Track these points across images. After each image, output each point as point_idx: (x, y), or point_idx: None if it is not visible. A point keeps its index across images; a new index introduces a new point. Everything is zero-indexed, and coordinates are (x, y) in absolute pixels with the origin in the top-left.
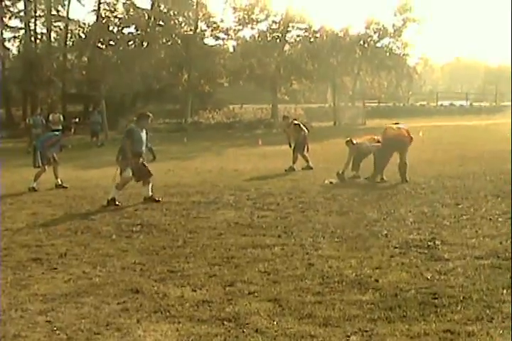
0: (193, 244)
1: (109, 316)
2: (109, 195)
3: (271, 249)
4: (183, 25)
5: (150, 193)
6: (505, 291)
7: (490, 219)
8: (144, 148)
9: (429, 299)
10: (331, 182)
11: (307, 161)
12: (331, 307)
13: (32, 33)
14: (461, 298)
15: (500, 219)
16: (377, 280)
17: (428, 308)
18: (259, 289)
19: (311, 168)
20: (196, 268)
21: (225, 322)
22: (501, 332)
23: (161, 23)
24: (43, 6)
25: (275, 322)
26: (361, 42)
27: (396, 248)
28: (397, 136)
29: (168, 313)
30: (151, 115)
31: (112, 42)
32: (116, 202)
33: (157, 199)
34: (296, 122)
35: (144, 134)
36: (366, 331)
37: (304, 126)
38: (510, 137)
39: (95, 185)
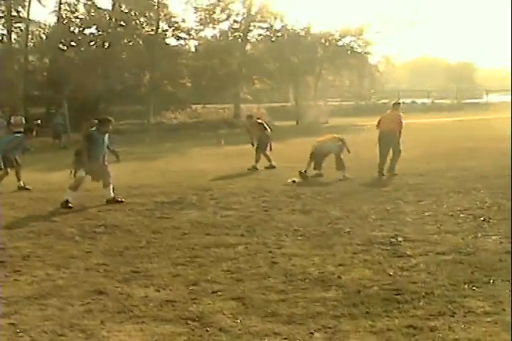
0: (157, 244)
1: (73, 317)
2: (64, 197)
3: (234, 248)
4: (144, 25)
5: (112, 195)
6: (466, 286)
7: (452, 215)
8: (102, 153)
9: (392, 295)
10: (293, 181)
11: (270, 160)
12: (295, 304)
13: None
14: (424, 293)
15: (462, 216)
16: (340, 278)
17: (391, 304)
18: (223, 288)
19: (274, 167)
20: (160, 268)
21: (189, 322)
22: (463, 326)
23: (122, 23)
24: (2, 7)
25: (239, 321)
26: (323, 41)
27: (359, 245)
28: (391, 131)
29: (132, 314)
30: (112, 120)
31: (73, 43)
32: (69, 205)
33: (120, 200)
34: (259, 121)
35: (105, 139)
36: (330, 328)
37: (267, 125)
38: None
39: (58, 188)
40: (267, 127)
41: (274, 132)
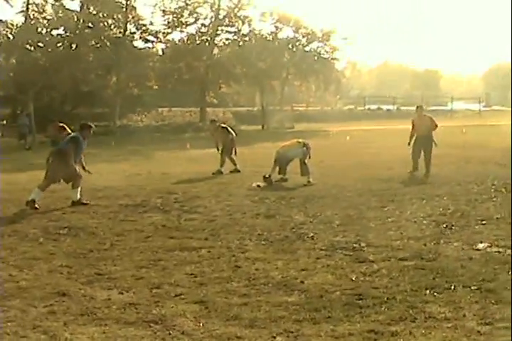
0: (121, 246)
1: (35, 319)
2: (30, 196)
3: (198, 251)
4: (112, 27)
5: (78, 196)
6: (428, 292)
7: (415, 221)
8: (81, 156)
9: (353, 300)
10: (258, 186)
11: (235, 164)
12: (257, 308)
13: None
14: (385, 298)
15: (424, 222)
16: (302, 282)
17: (353, 309)
18: (186, 291)
19: (239, 171)
20: (123, 270)
21: (152, 325)
22: (424, 331)
23: (90, 25)
24: None
25: (201, 324)
26: (290, 46)
27: (322, 250)
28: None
29: (95, 316)
30: (93, 126)
31: (40, 44)
32: (36, 205)
33: (85, 202)
34: (223, 125)
35: (85, 143)
36: (292, 332)
37: (232, 129)
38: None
39: (22, 188)
40: (231, 131)
41: (239, 136)
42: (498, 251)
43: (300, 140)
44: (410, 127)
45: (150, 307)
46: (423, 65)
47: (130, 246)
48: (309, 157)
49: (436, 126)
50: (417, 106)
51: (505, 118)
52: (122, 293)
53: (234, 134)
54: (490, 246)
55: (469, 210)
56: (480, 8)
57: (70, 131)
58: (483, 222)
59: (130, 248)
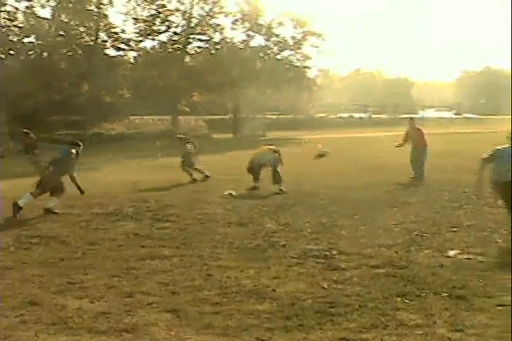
0: (92, 255)
1: (6, 329)
2: (20, 200)
3: (170, 260)
4: (83, 35)
5: (52, 205)
6: (399, 299)
7: (386, 229)
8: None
9: (325, 308)
10: (230, 194)
11: (202, 172)
12: (229, 317)
13: None
14: (357, 306)
15: (396, 229)
16: (274, 290)
17: (324, 317)
18: (158, 300)
19: (208, 177)
20: (95, 279)
21: (124, 334)
22: (395, 339)
23: (61, 33)
24: None
25: (173, 333)
26: (261, 54)
27: (294, 258)
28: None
29: (66, 325)
30: (81, 144)
31: (12, 52)
32: (18, 214)
33: (56, 211)
34: (179, 136)
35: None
36: (264, 340)
37: (190, 140)
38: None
39: None
40: (189, 142)
41: (211, 144)
42: (469, 258)
43: (271, 147)
44: (404, 137)
45: (121, 316)
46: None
47: (102, 254)
48: (282, 164)
49: (425, 141)
50: (410, 118)
51: (476, 126)
52: (94, 302)
53: (192, 145)
54: (461, 253)
55: (440, 218)
56: (450, 18)
57: (32, 137)
58: (454, 229)
59: (102, 257)
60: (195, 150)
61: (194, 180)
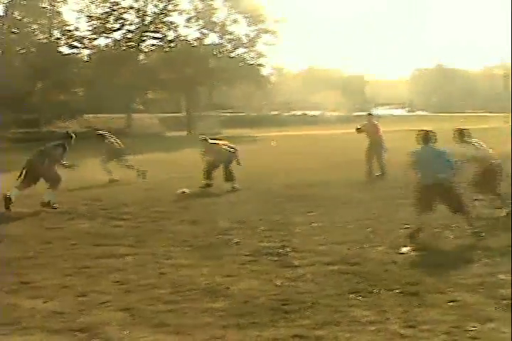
0: (46, 254)
1: None
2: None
3: (123, 258)
4: (37, 33)
5: (50, 199)
6: (352, 296)
7: (340, 226)
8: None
9: (279, 305)
10: (183, 192)
11: (110, 174)
12: (183, 315)
13: None
14: (310, 303)
15: (349, 226)
16: (228, 288)
17: (278, 314)
18: (112, 299)
19: (117, 181)
20: (49, 279)
21: (77, 333)
22: (348, 335)
23: (15, 30)
24: None
25: (127, 332)
26: (215, 52)
27: (247, 256)
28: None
29: (19, 325)
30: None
31: None
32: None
33: (54, 206)
34: (98, 132)
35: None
36: (218, 338)
37: (112, 137)
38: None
39: None
40: (108, 138)
41: (165, 142)
42: (421, 255)
43: (226, 144)
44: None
45: (75, 316)
46: (348, 70)
47: (56, 253)
48: (238, 162)
49: (381, 137)
50: (368, 113)
51: (428, 123)
52: (47, 302)
53: (112, 142)
54: (413, 250)
55: (394, 214)
56: (402, 15)
57: None
58: (407, 226)
59: (56, 256)
60: (120, 148)
61: (114, 180)
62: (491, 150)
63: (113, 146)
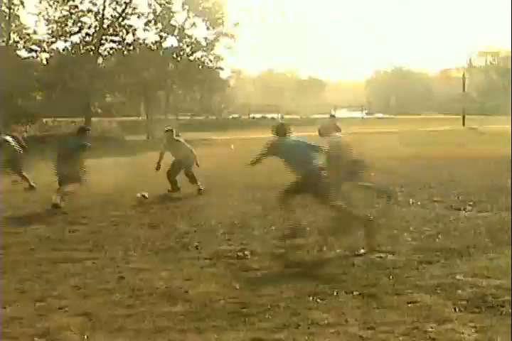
0: (3, 259)
1: None
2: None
3: (82, 263)
4: None
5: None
6: (311, 298)
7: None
8: None
9: (238, 309)
10: (143, 196)
11: (26, 181)
12: (142, 319)
13: None
14: (269, 306)
15: (307, 229)
16: (187, 292)
17: (237, 317)
18: (70, 303)
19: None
20: (6, 284)
21: (36, 338)
22: (307, 338)
23: None
24: None
25: (86, 337)
26: (174, 55)
27: (206, 259)
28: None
29: None
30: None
31: None
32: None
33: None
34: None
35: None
36: None
37: (19, 140)
38: None
39: None
40: (11, 144)
41: (123, 147)
42: (380, 257)
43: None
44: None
45: (34, 321)
46: (306, 73)
47: (13, 258)
48: (197, 165)
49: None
50: (331, 115)
51: (384, 125)
52: (5, 307)
53: (14, 147)
54: (371, 252)
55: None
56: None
57: None
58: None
59: (13, 261)
60: (19, 155)
61: (31, 187)
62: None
63: (12, 152)
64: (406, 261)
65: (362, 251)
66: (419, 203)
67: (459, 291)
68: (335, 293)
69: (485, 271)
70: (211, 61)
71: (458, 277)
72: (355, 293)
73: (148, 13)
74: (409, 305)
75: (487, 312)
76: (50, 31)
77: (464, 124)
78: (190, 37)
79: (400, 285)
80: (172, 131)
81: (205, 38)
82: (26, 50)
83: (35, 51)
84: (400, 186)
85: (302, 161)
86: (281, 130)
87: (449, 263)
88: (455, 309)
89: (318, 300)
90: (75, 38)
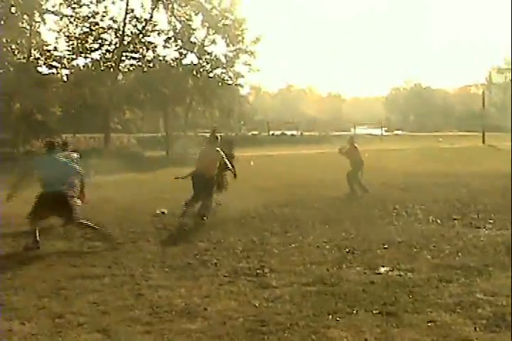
0: (22, 275)
1: None
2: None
3: (100, 279)
4: (16, 53)
5: None
6: (330, 316)
7: (317, 246)
8: None
9: (256, 326)
10: (162, 212)
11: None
12: (160, 336)
13: None
14: (288, 324)
15: (327, 247)
16: (206, 309)
17: (256, 335)
18: (89, 320)
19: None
20: (25, 300)
21: None
22: None
23: None
24: None
25: None
26: (194, 72)
27: (225, 276)
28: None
29: None
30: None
31: None
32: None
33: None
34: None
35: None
36: None
37: None
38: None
39: None
40: None
41: (143, 162)
42: (399, 275)
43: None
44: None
45: (52, 338)
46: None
47: (32, 274)
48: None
49: (361, 159)
50: (350, 137)
51: (403, 142)
52: (24, 324)
53: None
54: (391, 270)
55: (371, 234)
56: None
57: None
58: (385, 246)
59: (32, 277)
60: None
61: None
62: None
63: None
64: (426, 279)
65: (382, 269)
66: (438, 221)
67: (479, 310)
68: (354, 311)
69: (505, 290)
70: (231, 78)
71: (478, 295)
72: (374, 312)
73: (168, 30)
74: (429, 323)
75: (507, 331)
76: (70, 48)
77: (483, 142)
78: (210, 54)
79: (420, 303)
80: (216, 136)
81: (225, 55)
82: (47, 66)
83: (56, 67)
84: (420, 204)
85: (52, 180)
86: (50, 146)
87: (469, 281)
88: (475, 328)
89: (338, 318)
90: (95, 55)
